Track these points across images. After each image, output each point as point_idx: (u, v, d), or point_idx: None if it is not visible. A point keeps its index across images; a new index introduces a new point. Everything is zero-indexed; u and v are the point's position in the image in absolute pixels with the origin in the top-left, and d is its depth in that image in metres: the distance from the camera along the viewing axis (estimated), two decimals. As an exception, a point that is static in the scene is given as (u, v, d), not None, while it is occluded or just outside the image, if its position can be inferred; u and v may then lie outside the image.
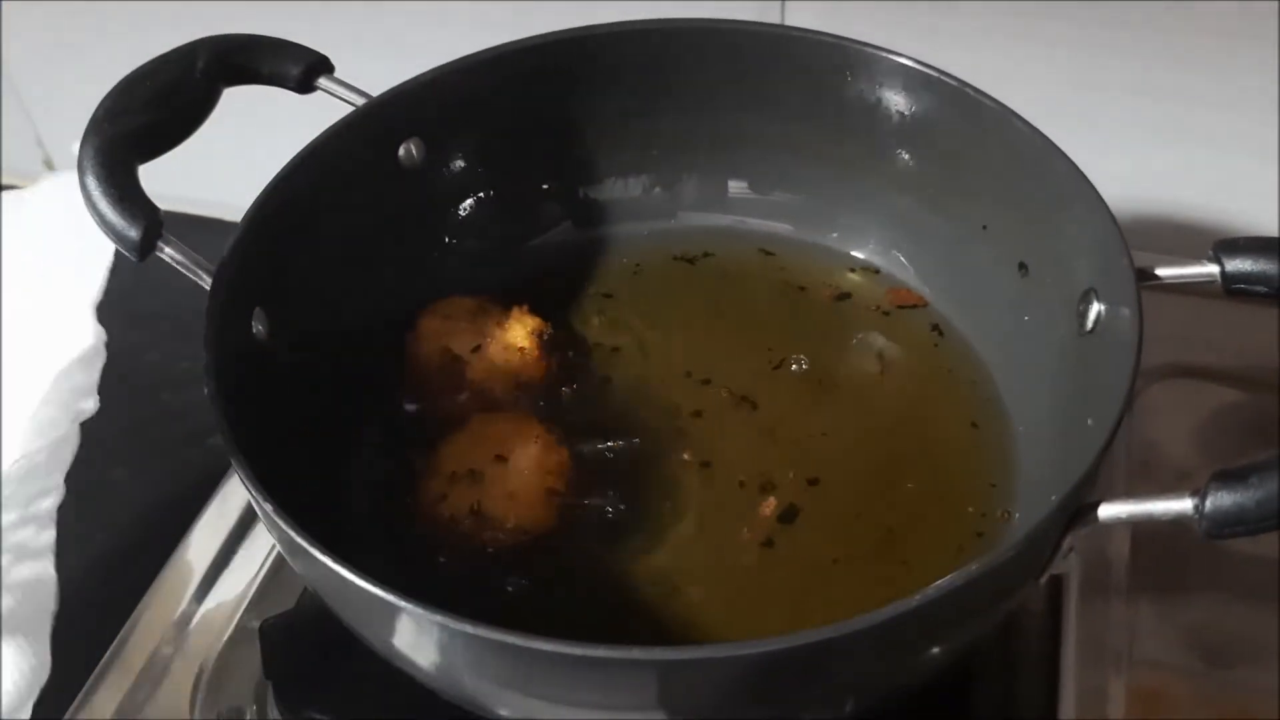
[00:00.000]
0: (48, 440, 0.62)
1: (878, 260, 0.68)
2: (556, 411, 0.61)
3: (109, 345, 0.67)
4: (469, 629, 0.41)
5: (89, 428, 0.64)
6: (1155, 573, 0.62)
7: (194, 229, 0.56)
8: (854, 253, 0.68)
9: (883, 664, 0.46)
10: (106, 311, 0.69)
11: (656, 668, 0.42)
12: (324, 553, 0.44)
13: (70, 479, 0.62)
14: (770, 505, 0.58)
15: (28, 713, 0.56)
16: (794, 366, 0.64)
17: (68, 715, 0.59)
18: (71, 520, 0.63)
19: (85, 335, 0.66)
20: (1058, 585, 0.61)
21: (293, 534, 0.45)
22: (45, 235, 0.73)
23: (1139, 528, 0.63)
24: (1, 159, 0.92)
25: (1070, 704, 0.57)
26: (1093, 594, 0.61)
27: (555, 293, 0.67)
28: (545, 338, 0.63)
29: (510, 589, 0.56)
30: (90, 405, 0.64)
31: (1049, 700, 0.58)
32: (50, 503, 0.61)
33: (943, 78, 0.60)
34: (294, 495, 0.47)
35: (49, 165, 0.94)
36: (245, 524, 0.66)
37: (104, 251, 0.68)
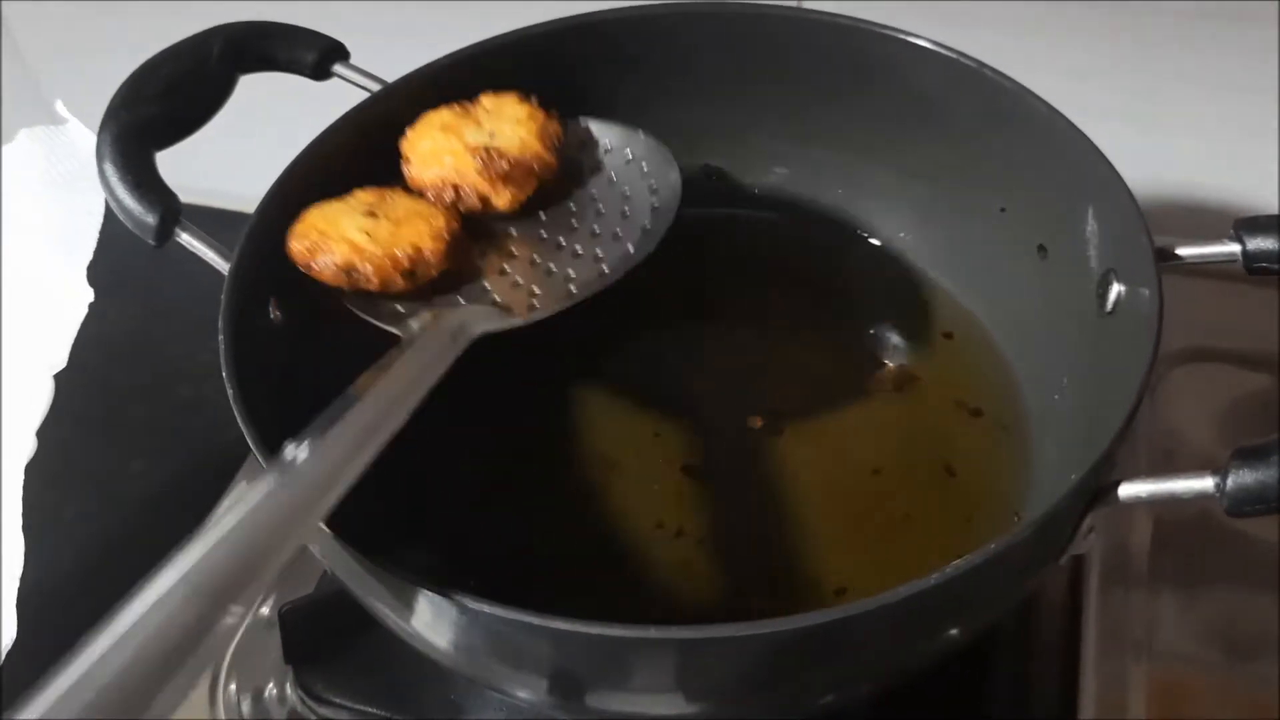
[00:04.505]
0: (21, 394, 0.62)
1: (896, 244, 0.67)
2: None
3: (129, 335, 0.68)
4: (485, 608, 0.41)
5: (109, 420, 0.64)
6: (1177, 564, 0.62)
7: (212, 221, 0.56)
8: (871, 238, 0.68)
9: (904, 643, 0.46)
10: (125, 302, 0.69)
11: (674, 647, 0.42)
12: (337, 536, 0.44)
13: (88, 470, 0.62)
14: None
15: None
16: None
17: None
18: (90, 511, 0.64)
19: (72, 294, 0.65)
20: (1078, 575, 0.61)
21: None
22: (25, 188, 0.73)
23: (1161, 518, 0.63)
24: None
25: (1091, 695, 0.57)
26: (1113, 584, 0.61)
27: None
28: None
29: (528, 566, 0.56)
30: (63, 359, 0.64)
31: (1069, 691, 0.57)
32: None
33: (961, 59, 0.60)
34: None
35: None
36: (264, 511, 0.66)
37: (95, 210, 0.68)
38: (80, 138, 0.71)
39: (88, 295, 0.67)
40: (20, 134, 0.75)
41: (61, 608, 0.59)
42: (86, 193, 0.66)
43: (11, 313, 0.67)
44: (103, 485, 0.66)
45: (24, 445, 0.62)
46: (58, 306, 0.66)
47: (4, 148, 0.74)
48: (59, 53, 0.89)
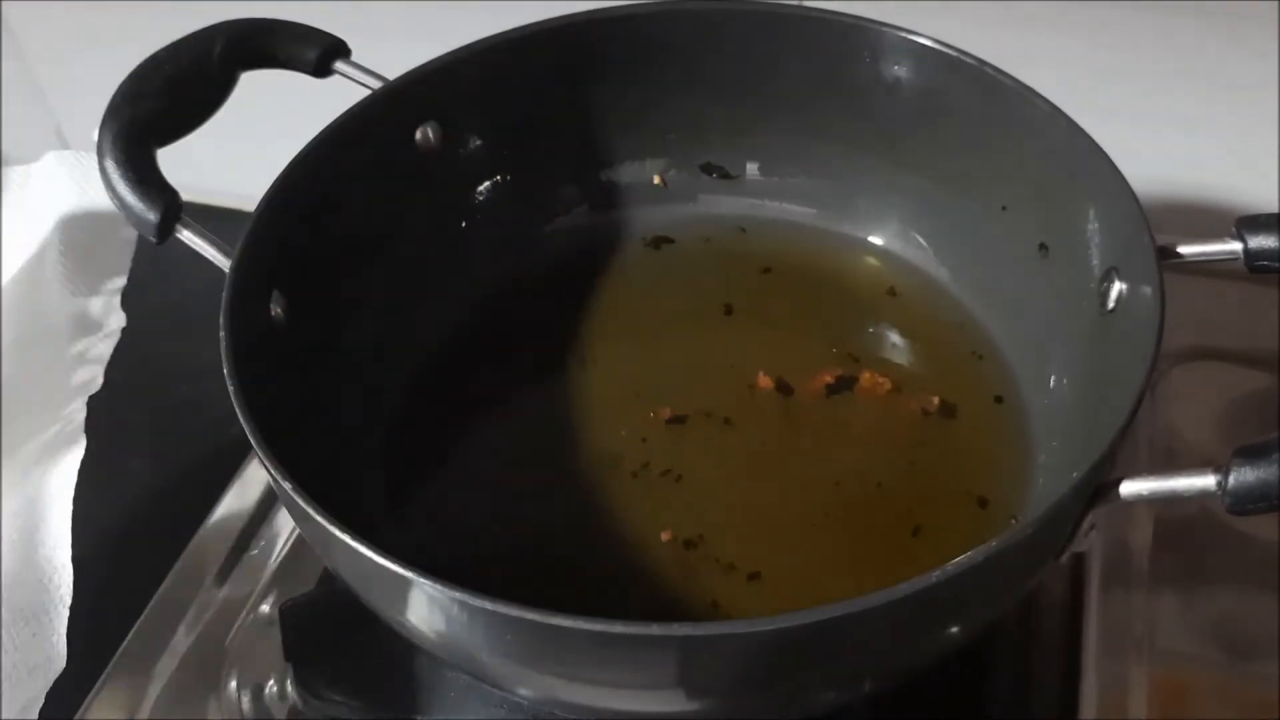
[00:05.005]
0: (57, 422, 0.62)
1: (897, 242, 0.67)
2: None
3: (129, 334, 0.68)
4: (487, 605, 0.41)
5: (109, 419, 0.64)
6: (1178, 563, 0.62)
7: (213, 220, 0.56)
8: (872, 236, 0.68)
9: (902, 641, 0.46)
10: (126, 301, 0.69)
11: (674, 644, 0.42)
12: (341, 529, 0.44)
13: (88, 469, 0.62)
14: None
15: (39, 703, 0.56)
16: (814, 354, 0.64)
17: (88, 700, 0.60)
18: (91, 510, 0.63)
19: (105, 318, 0.66)
20: (1079, 574, 0.61)
21: (311, 511, 0.45)
22: (53, 212, 0.73)
23: (1162, 517, 0.63)
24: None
25: (1091, 694, 0.57)
26: (1114, 584, 0.60)
27: (573, 277, 0.67)
28: None
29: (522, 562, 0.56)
30: (98, 383, 0.64)
31: (1069, 691, 0.57)
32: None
33: (962, 57, 0.60)
34: (313, 475, 0.47)
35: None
36: (264, 509, 0.66)
37: (128, 236, 0.68)
38: None
39: (120, 320, 0.67)
40: (49, 157, 0.75)
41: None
42: (120, 220, 0.67)
43: (44, 337, 0.68)
44: (103, 485, 0.66)
45: (68, 473, 0.62)
46: (90, 331, 0.66)
47: (30, 168, 0.75)
48: (59, 52, 0.89)
